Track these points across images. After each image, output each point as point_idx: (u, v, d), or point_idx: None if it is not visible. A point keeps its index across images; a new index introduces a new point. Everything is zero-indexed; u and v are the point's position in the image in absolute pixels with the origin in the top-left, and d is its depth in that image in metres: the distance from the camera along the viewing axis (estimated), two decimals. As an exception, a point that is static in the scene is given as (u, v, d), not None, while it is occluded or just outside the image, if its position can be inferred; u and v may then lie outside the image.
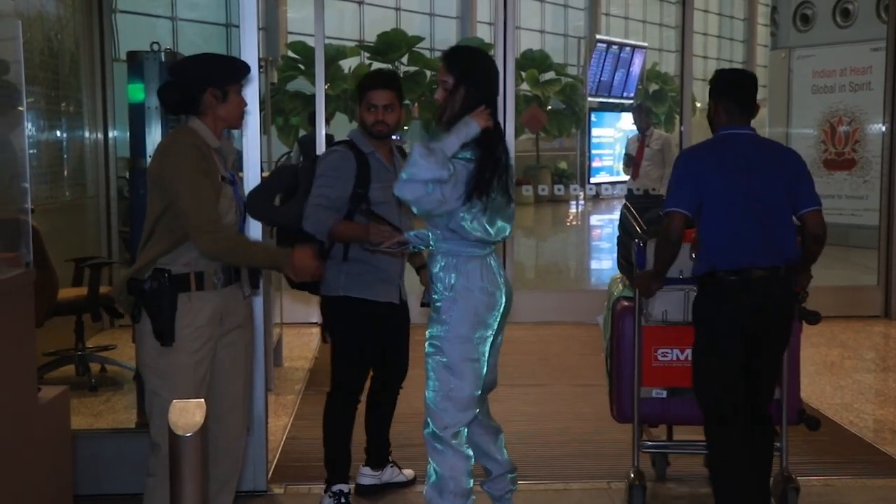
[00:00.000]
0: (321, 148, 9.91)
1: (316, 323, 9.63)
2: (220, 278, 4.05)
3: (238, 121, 4.21)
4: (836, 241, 10.87)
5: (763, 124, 20.39)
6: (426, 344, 4.28)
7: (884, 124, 10.43)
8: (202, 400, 3.26)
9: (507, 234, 4.33)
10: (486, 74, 4.35)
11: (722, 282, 4.58)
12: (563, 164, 28.94)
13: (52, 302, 6.46)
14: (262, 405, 5.31)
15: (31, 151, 7.78)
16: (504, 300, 4.30)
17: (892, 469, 5.69)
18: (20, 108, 3.83)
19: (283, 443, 6.12)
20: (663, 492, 5.52)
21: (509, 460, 4.63)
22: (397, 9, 30.38)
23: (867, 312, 10.20)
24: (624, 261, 5.44)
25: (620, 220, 5.70)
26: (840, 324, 9.81)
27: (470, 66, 4.30)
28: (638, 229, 5.27)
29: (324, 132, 10.01)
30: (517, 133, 23.36)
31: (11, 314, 3.23)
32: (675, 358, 5.14)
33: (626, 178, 11.63)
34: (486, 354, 4.25)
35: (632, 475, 5.13)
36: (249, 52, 5.07)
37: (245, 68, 4.22)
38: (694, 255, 4.78)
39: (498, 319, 4.28)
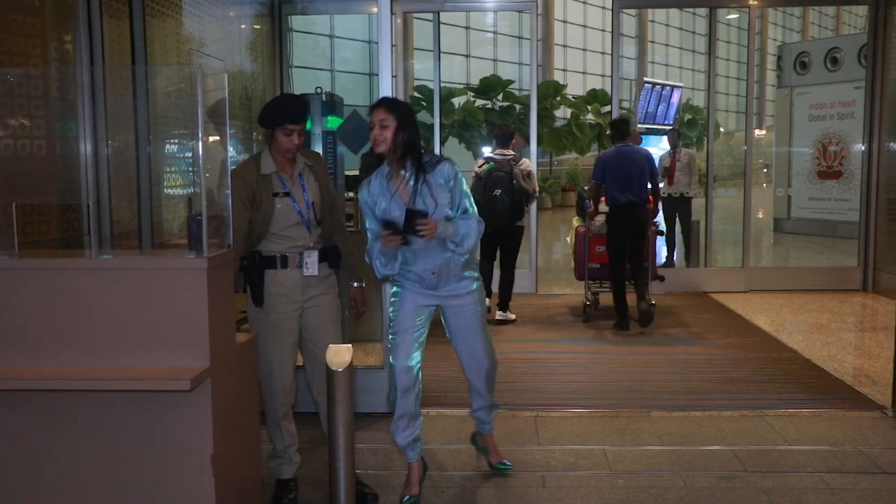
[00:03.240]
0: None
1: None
2: (300, 261, 4.03)
3: (285, 153, 3.98)
4: (826, 233, 10.67)
5: (771, 144, 19.97)
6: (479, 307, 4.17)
7: (863, 144, 10.19)
8: (350, 345, 3.35)
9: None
10: (415, 122, 3.95)
11: (614, 210, 7.74)
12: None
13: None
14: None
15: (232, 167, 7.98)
16: None
17: (866, 404, 5.56)
18: (226, 140, 3.92)
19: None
20: (596, 315, 8.06)
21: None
22: (494, 59, 30.36)
23: (850, 287, 9.95)
24: (579, 209, 8.87)
25: (578, 192, 9.16)
26: (828, 295, 9.60)
27: (408, 114, 3.90)
28: (585, 194, 8.54)
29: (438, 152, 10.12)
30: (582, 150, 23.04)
31: (221, 280, 3.35)
32: (602, 250, 8.30)
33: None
34: None
35: (587, 302, 8.33)
36: (385, 93, 5.15)
37: (289, 115, 3.91)
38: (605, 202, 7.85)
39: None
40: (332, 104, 5.93)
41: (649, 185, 7.75)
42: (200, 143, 3.20)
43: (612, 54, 10.17)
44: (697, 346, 7.26)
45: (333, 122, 5.91)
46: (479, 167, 7.98)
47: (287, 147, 3.96)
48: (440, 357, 6.80)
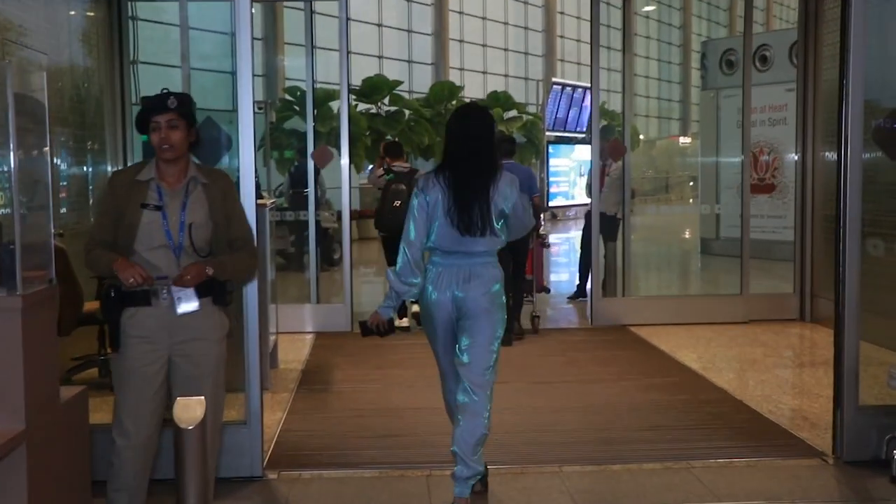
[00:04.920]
0: (311, 177, 10.08)
1: (308, 331, 9.66)
2: (168, 295, 3.93)
3: (161, 155, 3.95)
4: (759, 255, 11.01)
5: (696, 154, 20.58)
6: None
7: (797, 154, 10.55)
8: (202, 397, 3.28)
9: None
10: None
11: None
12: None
13: (79, 313, 6.45)
14: (257, 402, 5.31)
15: (62, 183, 7.78)
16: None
17: (805, 450, 5.73)
18: (45, 150, 3.82)
19: (277, 434, 6.10)
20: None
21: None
22: (380, 56, 30.51)
23: (785, 316, 10.25)
24: None
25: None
26: (762, 326, 9.88)
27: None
28: None
29: (312, 164, 10.12)
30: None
31: (40, 322, 3.23)
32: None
33: (580, 200, 11.75)
34: None
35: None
36: (245, 95, 5.10)
37: (149, 103, 3.98)
38: None
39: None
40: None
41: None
42: (13, 155, 3.10)
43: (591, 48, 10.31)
44: (615, 388, 7.37)
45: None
46: (379, 177, 9.74)
47: (157, 145, 3.90)
48: (316, 408, 6.74)
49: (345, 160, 9.98)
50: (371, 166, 11.24)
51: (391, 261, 8.71)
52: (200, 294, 3.97)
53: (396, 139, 8.80)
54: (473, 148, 4.67)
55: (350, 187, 10.35)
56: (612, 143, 10.26)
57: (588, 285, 11.45)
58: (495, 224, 4.64)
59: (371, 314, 4.87)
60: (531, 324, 9.68)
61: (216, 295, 4.06)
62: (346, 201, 10.17)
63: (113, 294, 3.87)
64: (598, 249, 10.40)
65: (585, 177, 12.18)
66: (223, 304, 4.12)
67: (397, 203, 9.25)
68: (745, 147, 10.77)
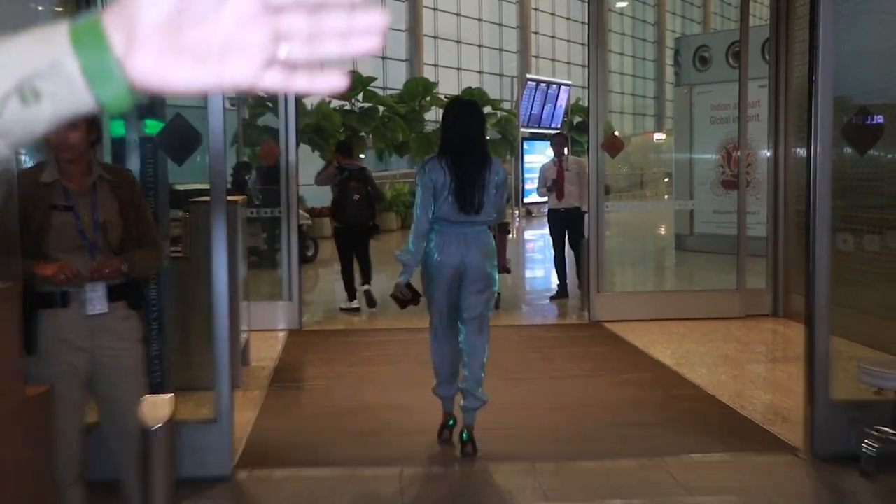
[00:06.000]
0: (288, 175, 9.94)
1: (281, 329, 9.62)
2: (83, 296, 3.84)
3: (61, 154, 3.79)
4: (733, 251, 11.02)
5: (670, 150, 20.66)
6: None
7: (769, 150, 10.60)
8: (171, 395, 3.25)
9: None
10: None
11: None
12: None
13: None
14: (227, 399, 5.26)
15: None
16: None
17: (778, 446, 5.75)
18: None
19: (248, 433, 6.06)
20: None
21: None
22: (354, 53, 30.43)
23: (758, 312, 10.26)
24: None
25: None
26: (736, 322, 9.87)
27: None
28: None
29: (295, 160, 10.06)
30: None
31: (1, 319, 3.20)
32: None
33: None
34: None
35: None
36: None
37: None
38: None
39: None
40: (150, 104, 5.76)
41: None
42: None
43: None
44: (588, 384, 7.38)
45: (153, 126, 5.75)
46: (334, 175, 10.83)
47: (56, 144, 3.74)
48: (289, 406, 6.72)
49: (292, 156, 9.90)
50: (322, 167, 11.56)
51: (343, 253, 10.98)
52: (114, 297, 3.90)
53: (348, 139, 10.51)
54: (471, 140, 5.56)
55: (298, 185, 10.34)
56: (609, 139, 10.23)
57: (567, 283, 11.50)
58: (489, 202, 5.51)
59: (394, 288, 5.68)
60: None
61: (130, 298, 4.00)
62: (292, 198, 9.95)
63: (29, 296, 3.77)
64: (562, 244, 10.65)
65: (537, 176, 12.16)
66: (137, 307, 4.05)
67: (356, 197, 10.62)
68: (742, 140, 10.76)
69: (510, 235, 13.52)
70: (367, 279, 11.22)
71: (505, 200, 5.86)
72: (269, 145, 10.48)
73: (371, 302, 10.93)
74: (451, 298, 5.60)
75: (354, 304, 10.96)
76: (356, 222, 10.80)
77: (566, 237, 11.46)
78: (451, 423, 5.86)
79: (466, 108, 5.70)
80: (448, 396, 5.84)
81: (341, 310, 10.95)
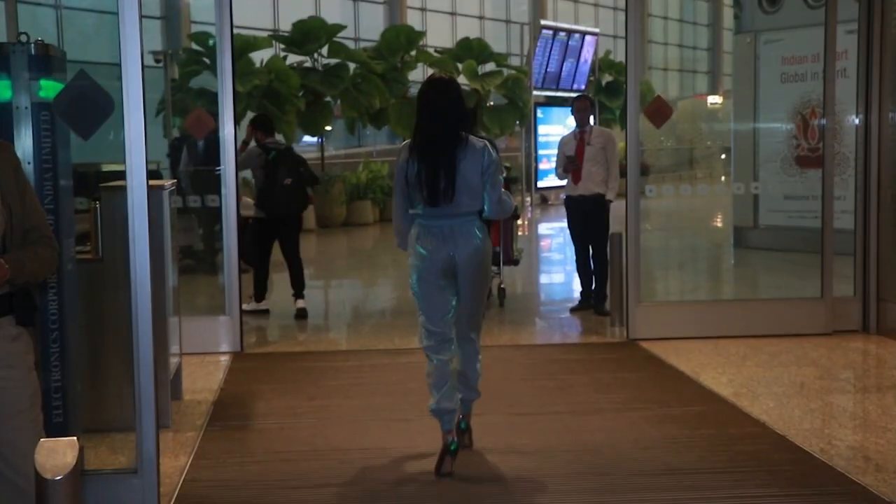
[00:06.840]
0: (227, 152, 9.78)
1: (223, 352, 9.62)
2: None
3: None
4: (811, 248, 10.97)
5: (728, 118, 20.61)
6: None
7: (857, 116, 10.49)
8: (73, 438, 3.26)
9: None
10: None
11: None
12: (506, 165, 28.92)
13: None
14: (152, 444, 5.28)
15: None
16: None
17: (868, 500, 5.75)
18: None
19: (179, 486, 6.07)
20: None
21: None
22: (317, -7, 30.39)
23: (843, 327, 10.23)
24: None
25: None
26: (813, 340, 9.87)
27: None
28: None
29: (233, 134, 9.86)
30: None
31: None
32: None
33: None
34: None
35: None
36: (131, 42, 5.06)
37: None
38: None
39: None
40: (46, 60, 5.75)
41: None
42: None
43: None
44: (619, 420, 7.39)
45: (50, 88, 5.74)
46: (258, 156, 11.61)
47: None
48: (231, 451, 6.73)
49: (229, 128, 9.85)
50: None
51: (264, 247, 11.72)
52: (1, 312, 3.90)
53: (265, 112, 11.24)
54: (440, 121, 6.13)
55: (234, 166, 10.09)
56: (654, 103, 10.06)
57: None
58: (465, 191, 6.06)
59: None
60: (497, 295, 12.11)
61: (21, 312, 3.98)
62: (231, 182, 9.88)
63: None
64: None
65: (555, 153, 11.94)
66: (29, 323, 4.04)
67: (287, 181, 11.51)
68: (829, 104, 10.45)
69: (519, 221, 14.24)
70: (299, 290, 11.82)
71: (499, 187, 6.33)
72: (198, 113, 10.46)
73: (302, 315, 11.61)
74: (441, 298, 6.23)
75: (263, 306, 11.79)
76: (287, 210, 11.65)
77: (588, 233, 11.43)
78: (453, 447, 6.17)
79: (437, 86, 6.27)
80: (449, 410, 6.22)
81: (245, 312, 10.55)
